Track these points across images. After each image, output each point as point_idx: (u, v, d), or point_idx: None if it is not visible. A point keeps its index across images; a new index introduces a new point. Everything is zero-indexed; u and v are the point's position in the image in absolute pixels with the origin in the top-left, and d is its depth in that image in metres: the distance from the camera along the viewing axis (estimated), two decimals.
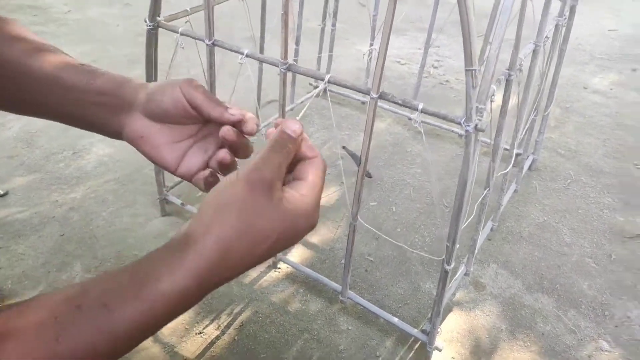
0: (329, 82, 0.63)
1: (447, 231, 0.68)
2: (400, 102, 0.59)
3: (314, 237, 1.00)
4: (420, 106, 0.58)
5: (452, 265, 0.68)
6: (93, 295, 0.34)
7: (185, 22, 0.83)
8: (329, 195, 1.12)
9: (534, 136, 1.19)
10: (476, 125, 0.55)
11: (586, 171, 1.26)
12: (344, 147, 1.24)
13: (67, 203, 1.04)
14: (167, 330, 0.81)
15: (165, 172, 0.99)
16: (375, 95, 0.60)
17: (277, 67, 0.68)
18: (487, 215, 1.02)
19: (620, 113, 1.52)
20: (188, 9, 0.82)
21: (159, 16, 0.78)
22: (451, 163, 1.26)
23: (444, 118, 0.57)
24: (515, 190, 1.14)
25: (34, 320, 0.32)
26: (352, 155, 1.20)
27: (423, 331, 0.78)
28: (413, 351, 0.80)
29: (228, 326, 0.83)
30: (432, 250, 1.00)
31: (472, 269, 0.91)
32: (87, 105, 0.51)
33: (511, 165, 0.95)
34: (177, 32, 0.76)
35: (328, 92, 0.86)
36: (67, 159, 1.17)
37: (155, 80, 0.83)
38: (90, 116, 0.51)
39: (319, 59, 1.44)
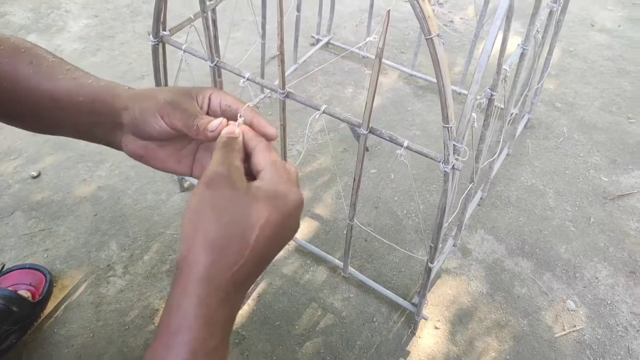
0: (324, 112, 0.70)
1: (439, 199, 0.73)
2: (387, 138, 0.66)
3: (317, 209, 1.11)
4: (406, 143, 0.65)
5: (435, 264, 0.79)
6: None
7: (190, 27, 0.86)
8: (330, 164, 1.21)
9: (530, 96, 1.23)
10: (453, 165, 0.63)
11: (580, 127, 1.32)
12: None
13: (94, 181, 1.15)
14: None
15: None
16: (365, 132, 0.67)
17: (277, 92, 0.74)
18: (477, 185, 1.11)
19: (623, 57, 1.52)
20: (192, 15, 0.85)
21: (164, 30, 0.82)
22: None
23: (426, 156, 0.65)
24: (507, 154, 1.21)
25: None
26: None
27: (412, 303, 0.92)
28: (404, 316, 0.95)
29: (247, 297, 0.97)
30: (425, 216, 1.11)
31: (459, 241, 1.02)
32: (85, 124, 0.49)
33: (505, 126, 0.98)
34: (180, 49, 0.81)
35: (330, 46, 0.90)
36: None
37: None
38: (91, 134, 0.50)
39: (321, 4, 1.42)
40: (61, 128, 0.52)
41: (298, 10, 1.30)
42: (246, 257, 0.38)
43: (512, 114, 1.21)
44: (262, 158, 0.42)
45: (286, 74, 0.75)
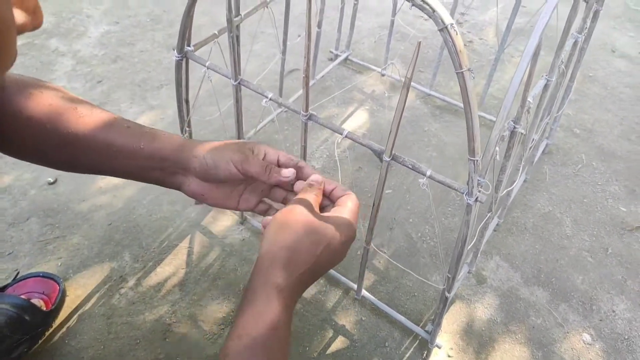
0: (346, 136, 0.69)
1: (459, 230, 0.74)
2: (410, 166, 0.65)
3: None
4: (428, 172, 0.65)
5: (452, 293, 0.78)
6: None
7: (214, 42, 0.86)
8: (345, 181, 1.20)
9: (549, 122, 1.22)
10: (477, 198, 0.62)
11: (598, 154, 1.30)
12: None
13: (110, 190, 1.15)
14: (210, 320, 0.95)
15: None
16: (388, 159, 0.66)
17: (299, 114, 0.73)
18: (494, 212, 1.10)
19: None
20: (216, 31, 0.85)
21: (188, 45, 0.83)
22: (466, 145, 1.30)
23: (449, 187, 0.64)
24: (525, 180, 1.20)
25: None
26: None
27: (426, 331, 0.91)
28: (417, 342, 0.93)
29: None
30: (441, 240, 1.10)
31: (474, 267, 1.01)
32: (139, 168, 0.58)
33: (526, 154, 0.97)
34: (204, 65, 0.81)
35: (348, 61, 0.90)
36: None
37: (187, 107, 0.88)
38: (145, 175, 0.60)
39: (341, 20, 1.43)
40: (106, 170, 0.60)
41: (319, 26, 1.30)
42: (312, 263, 0.50)
43: (532, 141, 1.20)
44: (346, 202, 0.57)
45: None
